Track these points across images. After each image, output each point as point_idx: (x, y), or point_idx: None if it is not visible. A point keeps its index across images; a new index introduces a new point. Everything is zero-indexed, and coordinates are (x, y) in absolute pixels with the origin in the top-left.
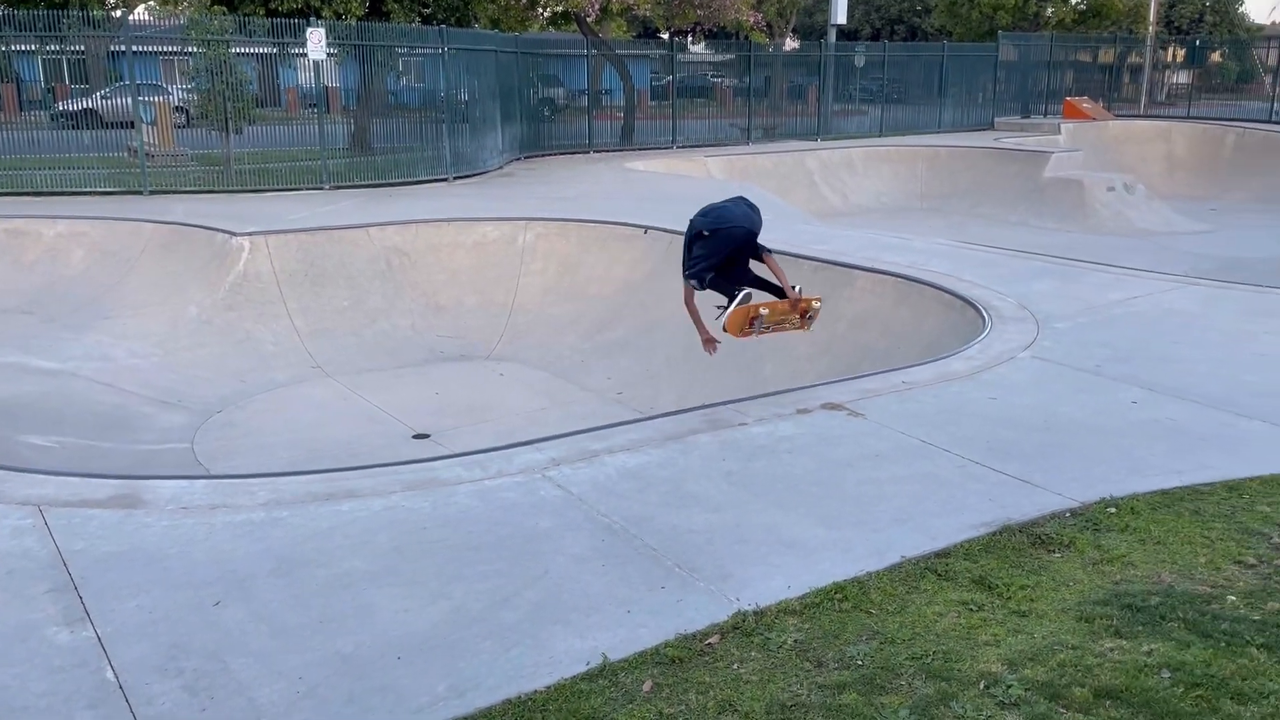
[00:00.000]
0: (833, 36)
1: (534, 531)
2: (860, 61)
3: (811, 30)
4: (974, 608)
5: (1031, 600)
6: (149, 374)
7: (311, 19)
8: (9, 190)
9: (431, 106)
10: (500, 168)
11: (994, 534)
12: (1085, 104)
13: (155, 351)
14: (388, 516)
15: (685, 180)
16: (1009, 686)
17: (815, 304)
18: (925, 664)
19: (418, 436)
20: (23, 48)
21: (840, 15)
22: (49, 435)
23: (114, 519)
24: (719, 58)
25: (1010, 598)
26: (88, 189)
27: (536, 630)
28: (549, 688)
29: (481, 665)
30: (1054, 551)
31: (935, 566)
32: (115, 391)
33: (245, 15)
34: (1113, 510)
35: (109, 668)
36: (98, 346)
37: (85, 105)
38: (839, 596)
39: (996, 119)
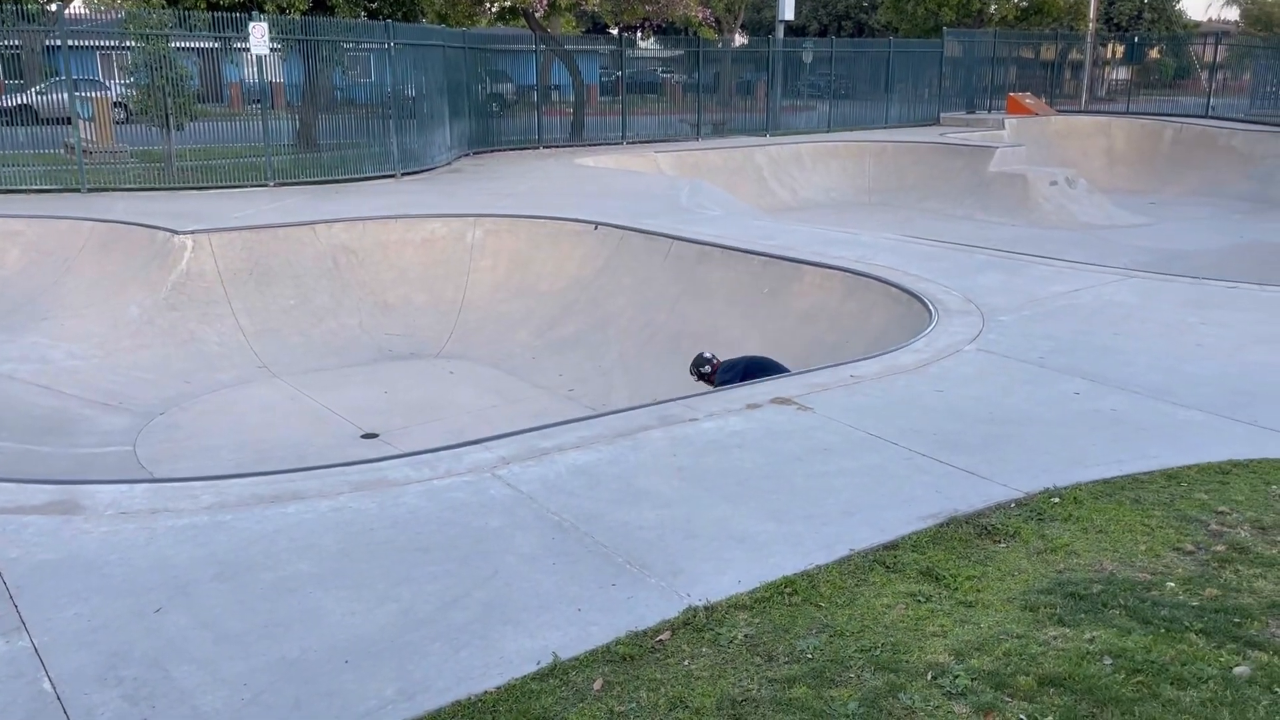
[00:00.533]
0: (780, 32)
1: (483, 531)
2: (808, 57)
3: (760, 26)
4: (921, 599)
5: (978, 590)
6: (89, 376)
7: (254, 13)
8: None
9: (378, 102)
10: (449, 164)
11: (941, 525)
12: (1028, 99)
13: (95, 353)
14: (335, 518)
15: (635, 176)
16: (956, 677)
17: None
18: (874, 656)
19: (366, 436)
20: None
21: (788, 11)
22: None
23: (51, 525)
24: (668, 53)
25: (957, 588)
26: (23, 186)
27: (486, 631)
28: (499, 688)
29: (431, 667)
30: (1000, 542)
31: (883, 558)
32: (53, 394)
33: (186, 9)
34: (1056, 500)
35: (46, 678)
36: (35, 348)
37: (20, 101)
38: (789, 590)
39: (942, 114)
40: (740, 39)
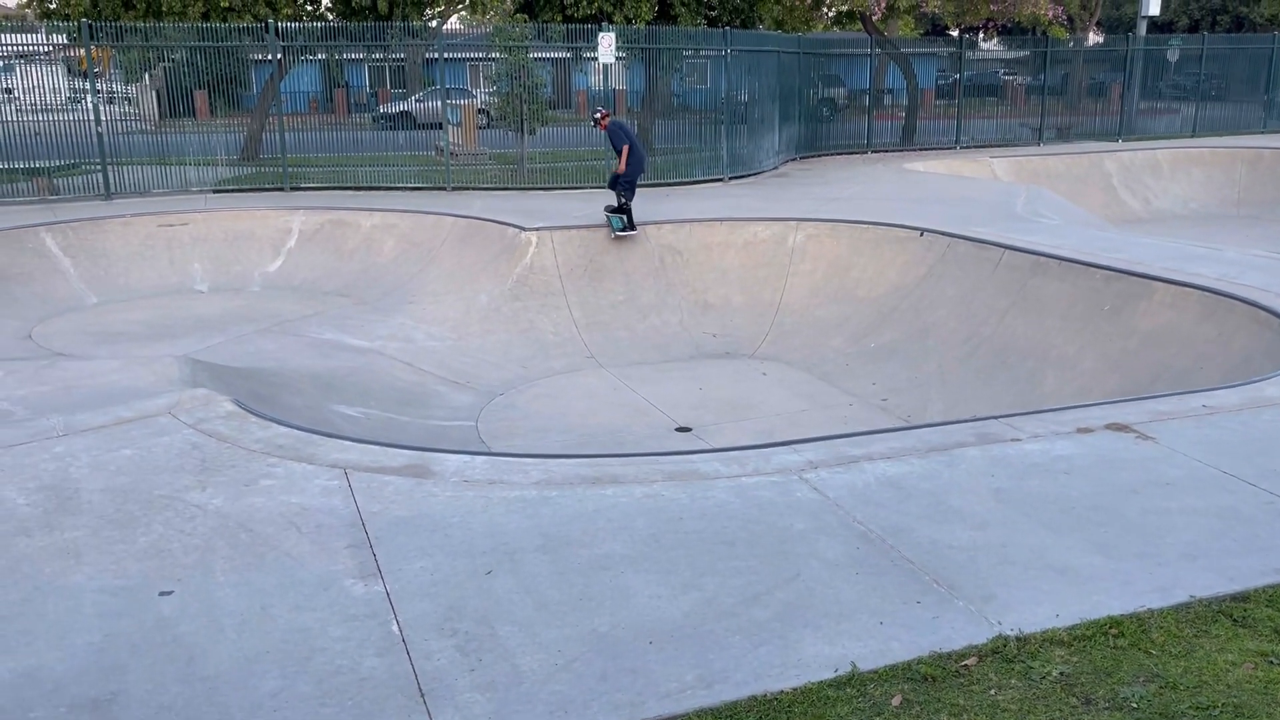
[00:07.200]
0: (1143, 29)
1: (787, 532)
2: (1173, 55)
3: (1119, 23)
4: (1275, 660)
5: None
6: (443, 356)
7: (604, 24)
8: (336, 185)
9: (712, 108)
10: (776, 168)
11: None
12: None
13: (450, 335)
14: (648, 504)
15: (967, 182)
16: None
17: None
18: (1212, 715)
19: (680, 429)
20: (353, 56)
21: (1152, 6)
22: (357, 406)
23: (406, 486)
24: (1012, 54)
25: None
26: (400, 184)
27: (786, 631)
28: (795, 690)
29: (730, 659)
30: None
31: (1230, 610)
32: (414, 370)
33: (544, 22)
34: None
35: (395, 621)
36: (401, 329)
37: (402, 108)
38: (1114, 631)
39: None
40: (1095, 37)
